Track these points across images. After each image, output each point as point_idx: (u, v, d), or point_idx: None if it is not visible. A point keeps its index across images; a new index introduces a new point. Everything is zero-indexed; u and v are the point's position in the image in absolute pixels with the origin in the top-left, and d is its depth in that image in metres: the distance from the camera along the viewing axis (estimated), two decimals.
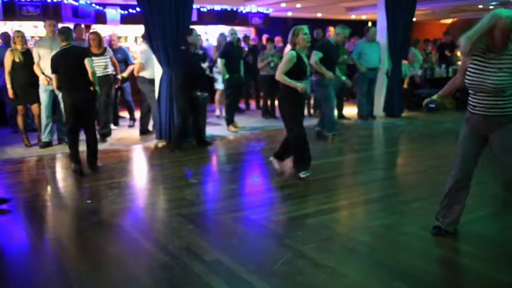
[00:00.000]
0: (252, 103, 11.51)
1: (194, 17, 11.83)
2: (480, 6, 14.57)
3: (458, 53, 12.14)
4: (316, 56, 7.06)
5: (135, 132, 8.22)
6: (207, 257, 3.41)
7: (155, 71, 7.38)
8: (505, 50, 3.28)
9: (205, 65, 10.18)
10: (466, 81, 3.46)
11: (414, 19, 10.47)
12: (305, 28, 5.29)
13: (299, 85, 5.15)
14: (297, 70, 5.26)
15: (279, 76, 5.24)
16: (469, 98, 3.52)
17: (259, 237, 3.82)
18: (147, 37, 7.17)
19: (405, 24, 9.77)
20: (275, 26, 15.06)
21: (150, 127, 8.20)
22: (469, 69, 3.44)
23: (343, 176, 5.61)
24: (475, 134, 3.55)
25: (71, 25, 7.47)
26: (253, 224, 4.07)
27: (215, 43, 10.99)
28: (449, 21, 20.31)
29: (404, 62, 10.46)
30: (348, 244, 3.65)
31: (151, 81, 7.55)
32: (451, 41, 13.48)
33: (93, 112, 5.87)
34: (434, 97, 3.80)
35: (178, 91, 6.95)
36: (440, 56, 12.71)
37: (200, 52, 10.21)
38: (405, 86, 10.70)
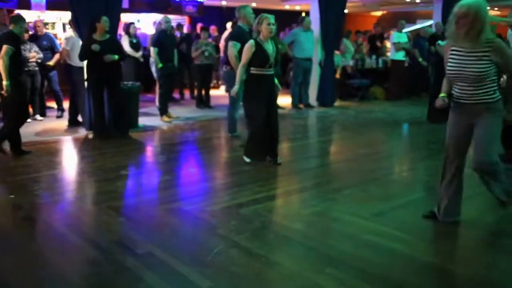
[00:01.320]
0: (187, 93, 11.36)
1: (125, 4, 11.45)
2: (408, 0, 15.13)
3: (388, 44, 12.56)
4: (234, 48, 6.26)
5: (64, 123, 7.87)
6: (139, 250, 3.33)
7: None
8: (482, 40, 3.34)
9: (138, 54, 9.98)
10: (447, 71, 3.53)
11: (346, 11, 10.71)
12: (270, 18, 5.22)
13: (235, 89, 5.42)
14: (258, 59, 5.23)
15: (240, 66, 5.34)
16: (453, 87, 3.59)
17: (192, 228, 3.78)
18: (75, 24, 6.86)
19: (337, 15, 9.97)
20: (211, 15, 14.91)
21: (80, 118, 7.89)
22: (449, 60, 3.49)
23: (276, 166, 5.64)
24: (462, 121, 3.59)
25: None
26: (186, 215, 4.02)
27: (148, 32, 10.77)
28: (379, 13, 20.98)
29: (337, 52, 10.68)
30: (282, 232, 3.68)
31: (78, 69, 7.24)
32: (380, 32, 13.94)
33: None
34: (445, 98, 3.63)
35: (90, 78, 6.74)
36: (371, 47, 13.09)
37: (134, 40, 10.00)
38: (337, 76, 10.94)
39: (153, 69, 9.07)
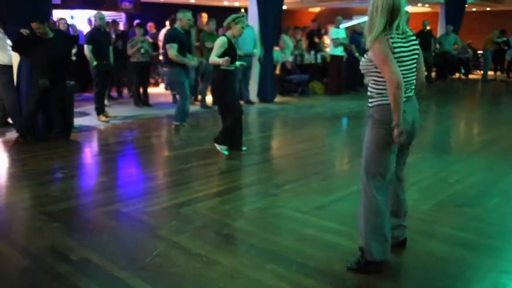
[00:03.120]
0: (125, 91, 11.08)
1: (57, 0, 11.02)
2: None
3: (326, 40, 12.78)
4: (173, 49, 6.71)
5: None
6: (74, 256, 3.19)
7: (13, 58, 6.72)
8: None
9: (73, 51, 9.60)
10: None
11: (284, 7, 10.80)
12: (245, 21, 5.62)
13: (221, 60, 5.39)
14: (230, 56, 5.46)
15: (211, 59, 5.50)
16: None
17: (131, 231, 3.67)
18: (1, 21, 6.50)
19: (275, 12, 10.03)
20: (149, 12, 14.58)
21: (10, 119, 7.50)
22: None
23: (217, 163, 5.60)
24: None
25: None
26: (124, 218, 3.90)
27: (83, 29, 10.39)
28: (317, 9, 21.30)
29: (276, 48, 10.75)
30: (222, 230, 3.65)
31: (4, 68, 6.87)
32: (318, 28, 14.16)
33: None
34: None
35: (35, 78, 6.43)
36: (309, 43, 13.28)
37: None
38: (277, 72, 11.02)
39: None
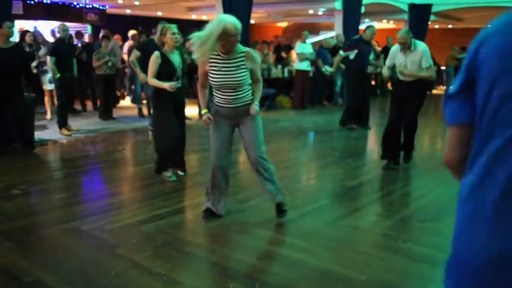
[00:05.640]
0: (89, 104, 10.86)
1: (19, 10, 10.76)
2: (310, 12, 15.65)
3: (293, 55, 12.88)
4: (133, 54, 6.84)
5: None
6: (27, 278, 3.05)
7: None
8: (236, 51, 3.77)
9: (33, 63, 9.36)
10: (211, 80, 3.81)
11: (252, 21, 10.84)
12: (173, 28, 5.13)
13: (166, 85, 4.93)
14: (164, 71, 5.05)
15: (150, 80, 5.10)
16: (214, 94, 3.89)
17: (88, 250, 3.53)
18: None
19: (242, 26, 9.98)
20: (115, 23, 14.41)
21: None
22: (211, 70, 3.80)
23: (181, 178, 5.49)
24: (226, 124, 3.98)
25: None
26: (82, 236, 3.76)
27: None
28: (284, 24, 21.52)
29: None
30: (185, 248, 3.56)
31: None
32: (285, 43, 14.28)
33: None
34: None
35: None
36: (277, 57, 13.35)
37: (27, 49, 9.37)
38: None
39: (46, 79, 8.67)
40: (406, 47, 5.57)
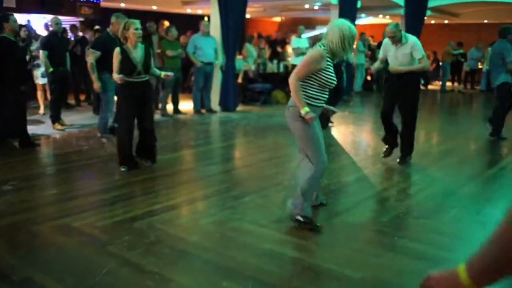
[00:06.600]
0: (83, 98, 10.77)
1: (12, 3, 10.63)
2: (306, 6, 15.57)
3: (289, 50, 12.81)
4: (92, 55, 6.38)
5: None
6: (15, 276, 2.99)
7: None
8: None
9: (27, 57, 9.26)
10: (326, 80, 3.70)
11: (248, 16, 10.76)
12: (137, 23, 5.18)
13: (116, 77, 5.14)
14: (125, 67, 5.16)
15: (113, 75, 5.22)
16: (312, 95, 3.73)
17: (80, 247, 3.48)
18: None
19: (238, 20, 9.95)
20: (110, 17, 14.26)
21: None
22: (327, 70, 3.70)
23: (175, 174, 5.45)
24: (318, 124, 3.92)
25: None
26: (74, 233, 3.70)
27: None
28: (280, 19, 21.43)
29: (238, 57, 10.68)
30: (177, 245, 3.50)
31: None
32: (282, 38, 14.20)
33: None
34: None
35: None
36: (272, 52, 13.28)
37: (21, 43, 9.26)
38: (239, 80, 10.93)
39: (37, 73, 8.57)
40: (396, 41, 5.58)
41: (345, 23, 3.67)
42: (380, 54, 5.93)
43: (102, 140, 6.84)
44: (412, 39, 5.59)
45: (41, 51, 7.82)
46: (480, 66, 16.30)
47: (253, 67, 11.66)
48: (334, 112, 4.18)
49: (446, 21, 19.78)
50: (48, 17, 11.17)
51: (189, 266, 3.25)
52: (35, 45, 8.82)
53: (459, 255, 3.43)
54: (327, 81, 3.70)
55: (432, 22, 19.55)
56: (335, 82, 3.75)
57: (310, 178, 3.77)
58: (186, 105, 9.99)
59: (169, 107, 9.46)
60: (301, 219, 3.78)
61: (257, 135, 7.91)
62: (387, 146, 6.09)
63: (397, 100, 5.75)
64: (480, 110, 12.65)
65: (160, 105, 9.37)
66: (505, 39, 7.41)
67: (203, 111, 9.77)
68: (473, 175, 5.67)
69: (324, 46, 3.72)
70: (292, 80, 3.71)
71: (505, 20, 16.78)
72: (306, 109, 3.64)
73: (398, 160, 5.91)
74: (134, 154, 5.54)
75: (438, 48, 17.42)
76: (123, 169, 5.36)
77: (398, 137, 5.95)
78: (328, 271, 3.17)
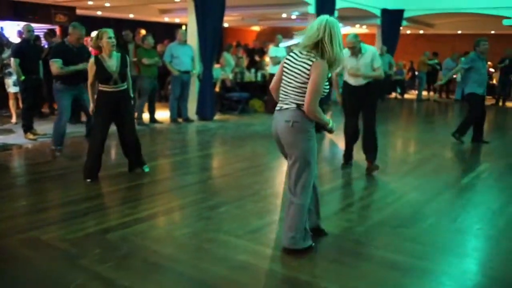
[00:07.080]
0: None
1: None
2: (284, 16, 15.62)
3: (267, 59, 12.81)
4: (56, 64, 6.23)
5: None
6: None
7: None
8: None
9: None
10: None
11: (226, 25, 10.72)
12: (109, 32, 5.17)
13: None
14: (100, 76, 5.18)
15: (88, 85, 5.30)
16: None
17: (48, 261, 3.35)
18: None
19: (215, 28, 9.91)
20: (85, 25, 14.08)
21: None
22: None
23: (150, 184, 5.34)
24: None
25: None
26: (42, 246, 3.57)
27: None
28: (258, 28, 21.47)
29: (216, 65, 10.63)
30: (150, 258, 3.41)
31: None
32: (259, 47, 14.21)
33: None
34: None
35: None
36: (250, 61, 13.27)
37: None
38: (216, 89, 10.87)
39: (10, 82, 8.37)
40: (356, 51, 5.66)
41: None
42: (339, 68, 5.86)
43: (56, 153, 6.50)
44: (371, 49, 5.73)
45: (12, 59, 7.64)
46: (454, 76, 16.57)
47: (230, 76, 11.61)
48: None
49: (421, 31, 20.08)
50: (22, 24, 10.99)
51: (161, 279, 3.15)
52: (7, 53, 8.63)
53: (435, 264, 3.41)
54: (323, 90, 3.55)
55: (408, 32, 19.82)
56: (328, 90, 3.62)
57: (302, 211, 3.52)
58: (163, 114, 9.89)
59: (146, 116, 9.35)
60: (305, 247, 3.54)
61: (234, 144, 7.85)
62: (344, 161, 6.30)
63: (360, 107, 5.90)
64: (456, 118, 12.81)
65: (136, 114, 9.23)
66: (474, 51, 8.02)
67: (180, 120, 9.68)
68: (449, 183, 5.70)
69: (301, 53, 3.62)
70: (313, 107, 3.32)
71: (479, 31, 17.14)
72: (332, 122, 3.55)
73: (367, 169, 5.92)
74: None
75: (414, 57, 17.66)
76: (88, 180, 5.27)
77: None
78: (303, 283, 3.11)
